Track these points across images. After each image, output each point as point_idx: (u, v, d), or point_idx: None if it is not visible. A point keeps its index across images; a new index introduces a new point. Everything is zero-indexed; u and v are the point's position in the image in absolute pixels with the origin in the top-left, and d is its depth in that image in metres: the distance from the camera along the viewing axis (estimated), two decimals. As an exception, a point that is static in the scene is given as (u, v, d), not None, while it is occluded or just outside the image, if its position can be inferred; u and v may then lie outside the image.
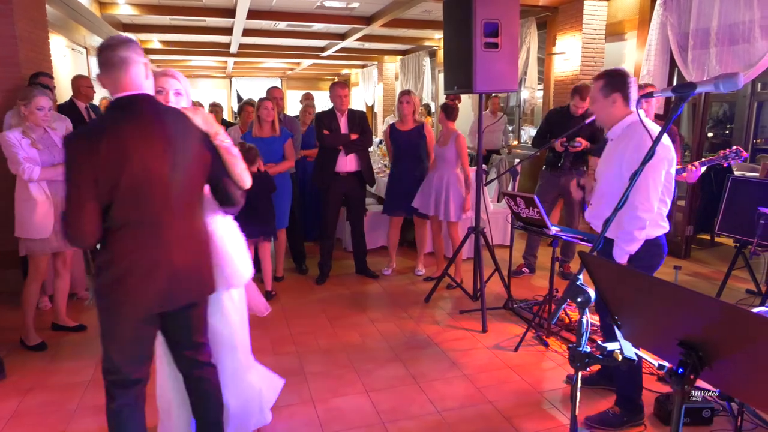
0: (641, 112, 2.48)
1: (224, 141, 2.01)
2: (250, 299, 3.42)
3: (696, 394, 2.65)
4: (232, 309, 2.32)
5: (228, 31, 9.58)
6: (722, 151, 3.40)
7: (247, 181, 2.12)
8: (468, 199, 4.56)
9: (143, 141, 1.77)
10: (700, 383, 1.22)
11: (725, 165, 3.48)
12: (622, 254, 2.47)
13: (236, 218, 3.57)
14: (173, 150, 1.82)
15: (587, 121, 4.04)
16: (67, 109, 4.97)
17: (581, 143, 4.51)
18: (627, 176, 2.38)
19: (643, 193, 2.38)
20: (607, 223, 1.72)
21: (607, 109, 2.55)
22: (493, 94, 7.80)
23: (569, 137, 4.37)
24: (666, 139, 2.40)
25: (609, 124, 2.60)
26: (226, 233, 2.22)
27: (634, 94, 2.53)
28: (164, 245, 1.84)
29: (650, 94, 1.79)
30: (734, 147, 3.39)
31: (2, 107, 4.25)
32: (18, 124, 3.39)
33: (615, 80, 2.53)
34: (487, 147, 7.70)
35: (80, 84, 5.13)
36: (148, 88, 1.88)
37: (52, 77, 4.62)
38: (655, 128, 2.41)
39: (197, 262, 1.95)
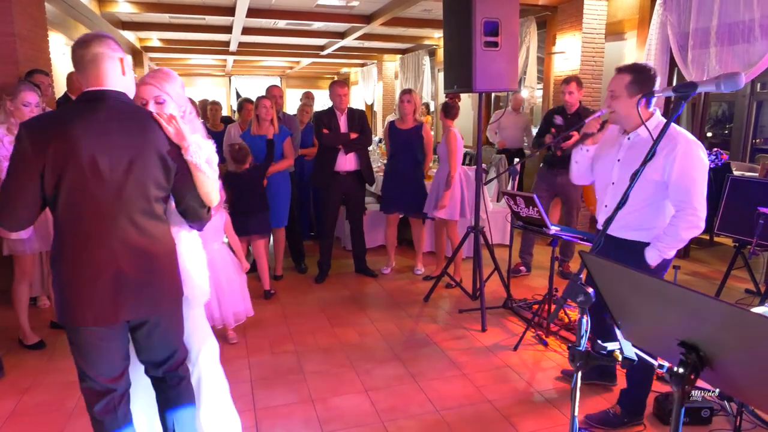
0: (658, 112, 2.44)
1: (193, 157, 1.87)
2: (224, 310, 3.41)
3: (695, 394, 2.65)
4: (193, 327, 2.18)
5: (227, 29, 9.57)
6: None
7: (214, 200, 2.00)
8: (446, 195, 4.51)
9: (96, 139, 1.70)
10: (698, 383, 1.22)
11: None
12: (658, 259, 2.38)
13: (230, 215, 3.57)
14: (128, 154, 1.73)
15: (587, 120, 4.04)
16: (64, 104, 5.01)
17: (573, 136, 4.49)
18: (667, 184, 2.34)
19: (702, 201, 2.29)
20: (608, 222, 1.72)
21: (630, 109, 2.36)
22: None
23: (558, 131, 4.39)
24: (705, 152, 2.34)
25: (630, 125, 2.46)
26: (185, 250, 2.07)
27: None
28: (111, 252, 1.74)
29: (651, 94, 1.79)
30: (714, 149, 3.44)
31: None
32: (4, 120, 3.30)
33: (643, 78, 2.35)
34: (507, 145, 7.34)
35: (75, 80, 5.28)
36: (123, 85, 1.81)
37: (48, 74, 4.59)
38: (686, 133, 2.35)
39: (150, 274, 1.83)
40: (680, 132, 2.34)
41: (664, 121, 2.27)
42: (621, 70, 2.42)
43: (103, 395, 1.89)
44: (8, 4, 4.39)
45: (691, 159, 2.30)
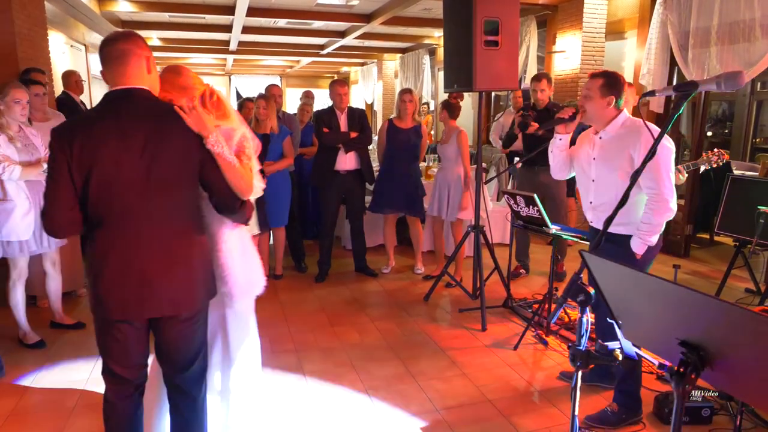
0: (626, 111, 2.64)
1: (215, 146, 1.82)
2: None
3: (695, 394, 2.65)
4: (234, 325, 2.21)
5: (227, 28, 9.56)
6: (705, 154, 3.50)
7: (246, 191, 1.93)
8: (466, 196, 4.52)
9: (118, 139, 1.71)
10: (699, 382, 1.22)
11: (707, 167, 3.54)
12: (643, 247, 2.52)
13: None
14: (151, 151, 1.74)
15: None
16: (64, 101, 5.05)
17: (532, 125, 4.49)
18: (645, 174, 2.42)
19: (668, 185, 2.45)
20: (609, 221, 1.72)
21: (602, 110, 2.60)
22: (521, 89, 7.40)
23: (523, 122, 4.41)
24: (670, 141, 2.49)
25: (601, 123, 2.65)
26: (225, 248, 2.05)
27: (622, 96, 2.63)
28: (135, 250, 1.77)
29: (652, 93, 1.79)
30: (716, 150, 3.48)
31: None
32: None
33: (613, 82, 2.59)
34: (512, 147, 7.21)
35: (71, 78, 5.52)
36: (148, 82, 1.83)
37: (44, 73, 4.58)
38: (649, 124, 2.45)
39: (174, 272, 1.83)
40: (644, 123, 2.44)
41: (628, 116, 2.60)
42: (594, 75, 2.66)
43: (118, 384, 1.94)
44: (8, 3, 4.38)
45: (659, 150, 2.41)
